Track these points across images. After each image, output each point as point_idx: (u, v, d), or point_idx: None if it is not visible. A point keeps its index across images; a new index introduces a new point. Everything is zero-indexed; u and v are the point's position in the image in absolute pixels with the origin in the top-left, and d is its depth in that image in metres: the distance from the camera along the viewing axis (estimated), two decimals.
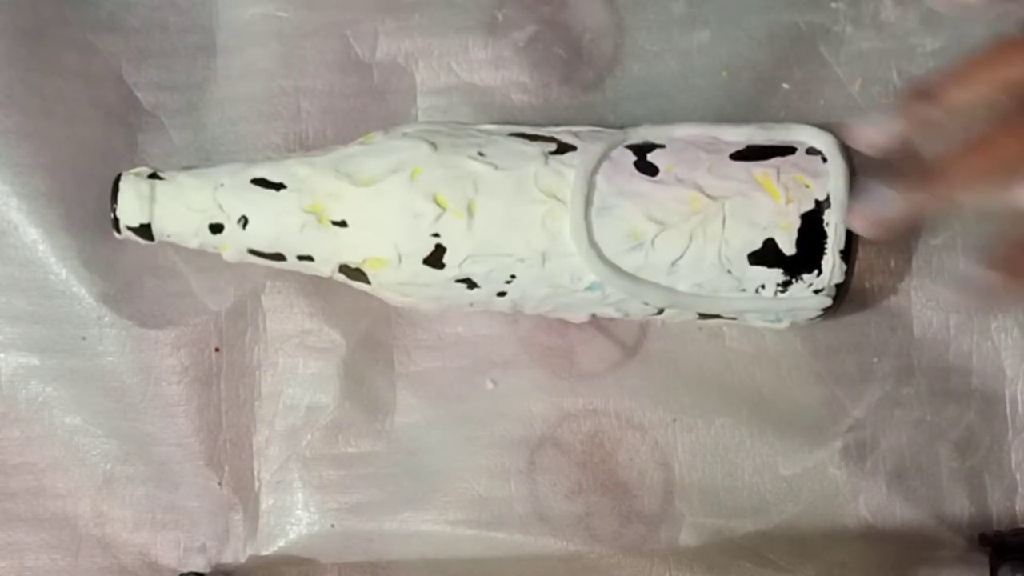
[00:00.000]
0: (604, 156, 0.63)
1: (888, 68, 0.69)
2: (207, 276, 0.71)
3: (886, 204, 0.56)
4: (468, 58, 0.71)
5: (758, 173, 0.62)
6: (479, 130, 0.65)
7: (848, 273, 0.62)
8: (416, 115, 0.71)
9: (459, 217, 0.62)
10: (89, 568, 0.71)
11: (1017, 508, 0.69)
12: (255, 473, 0.71)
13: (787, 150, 0.64)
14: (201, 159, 0.71)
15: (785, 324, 0.65)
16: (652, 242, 0.62)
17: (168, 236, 0.65)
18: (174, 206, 0.64)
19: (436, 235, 0.62)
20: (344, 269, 0.65)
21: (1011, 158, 0.55)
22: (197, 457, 0.70)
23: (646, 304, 0.64)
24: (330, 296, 0.70)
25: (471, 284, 0.64)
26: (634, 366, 0.70)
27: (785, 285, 0.63)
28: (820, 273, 0.62)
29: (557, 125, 0.66)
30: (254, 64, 0.71)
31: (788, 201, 0.62)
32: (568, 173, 0.62)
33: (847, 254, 0.62)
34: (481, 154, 0.63)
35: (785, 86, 0.70)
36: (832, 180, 0.62)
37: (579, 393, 0.70)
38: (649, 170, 0.63)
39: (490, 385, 0.70)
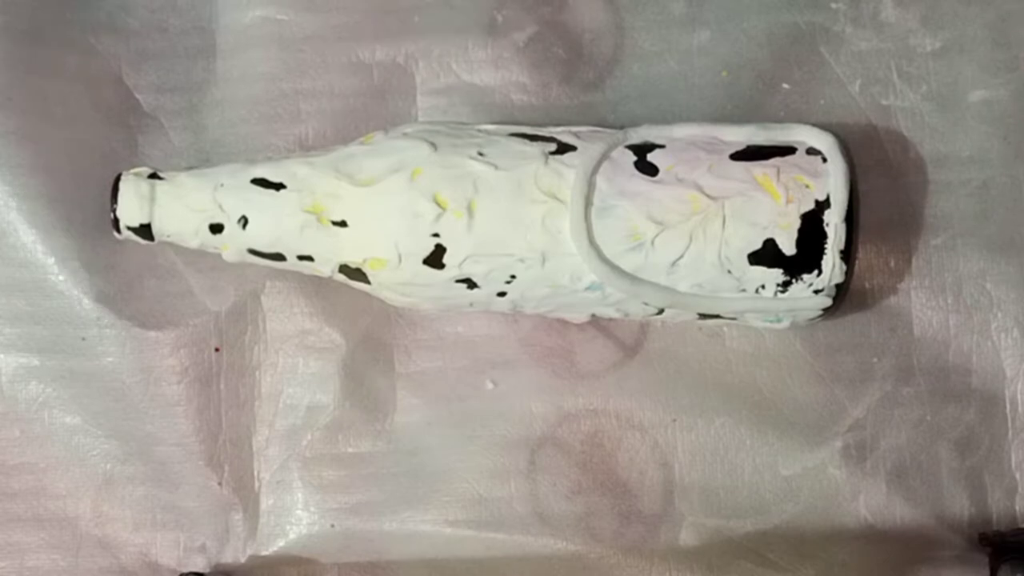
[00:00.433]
0: (604, 156, 0.63)
1: (888, 68, 0.69)
2: (207, 276, 0.71)
3: None
4: (468, 58, 0.71)
5: (758, 173, 0.62)
6: (479, 130, 0.65)
7: (848, 273, 0.62)
8: (416, 115, 0.71)
9: (459, 217, 0.62)
10: (89, 568, 0.71)
11: (1017, 508, 0.69)
12: (255, 473, 0.71)
13: (787, 150, 0.64)
14: (201, 161, 0.71)
15: (785, 324, 0.65)
16: (652, 242, 0.62)
17: (168, 236, 0.65)
18: (174, 206, 0.64)
19: (436, 235, 0.62)
20: (344, 269, 0.65)
21: None
22: (197, 457, 0.70)
23: (646, 304, 0.64)
24: (330, 296, 0.70)
25: (471, 284, 0.64)
26: (634, 366, 0.70)
27: (785, 285, 0.63)
28: (820, 273, 0.62)
29: (557, 125, 0.66)
30: (254, 66, 0.71)
31: (788, 201, 0.62)
32: (568, 173, 0.62)
33: (847, 254, 0.62)
34: (481, 154, 0.63)
35: (785, 86, 0.70)
36: (832, 180, 0.62)
37: (579, 393, 0.70)
38: (649, 170, 0.63)
39: (490, 385, 0.70)
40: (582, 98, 0.71)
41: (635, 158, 0.63)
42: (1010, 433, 0.69)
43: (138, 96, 0.72)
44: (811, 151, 0.63)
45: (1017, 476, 0.69)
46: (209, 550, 0.71)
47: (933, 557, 0.68)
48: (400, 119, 0.71)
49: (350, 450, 0.70)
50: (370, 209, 0.63)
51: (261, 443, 0.71)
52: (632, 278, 0.63)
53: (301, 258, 0.64)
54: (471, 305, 0.65)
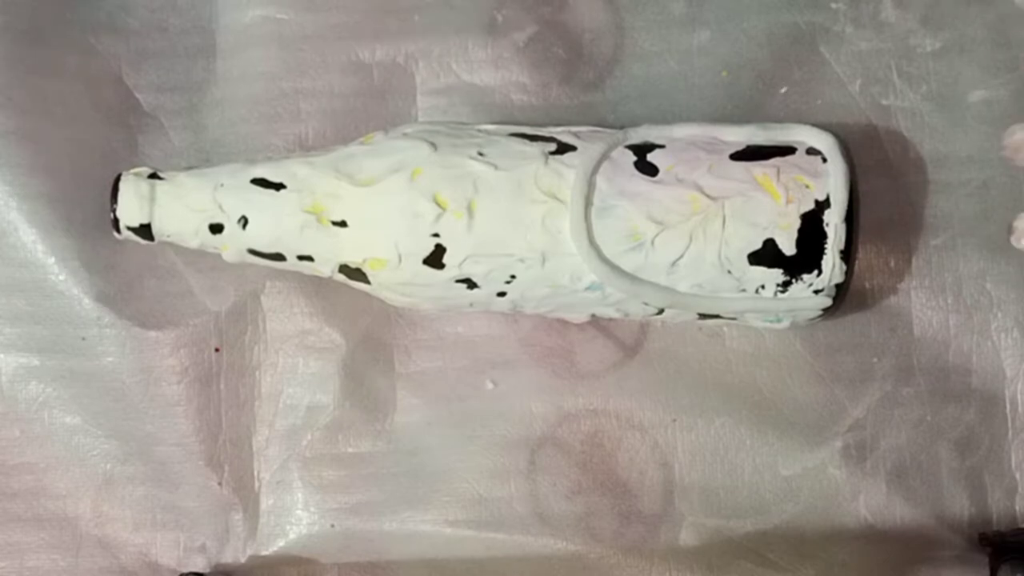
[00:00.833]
0: (604, 156, 0.63)
1: (888, 68, 0.69)
2: (207, 276, 0.71)
3: None
4: (468, 58, 0.71)
5: (758, 173, 0.62)
6: (479, 130, 0.65)
7: (848, 273, 0.62)
8: (416, 115, 0.71)
9: (459, 217, 0.62)
10: (89, 568, 0.71)
11: (1017, 508, 0.69)
12: (255, 473, 0.71)
13: (787, 150, 0.64)
14: (201, 161, 0.71)
15: (785, 324, 0.65)
16: (652, 242, 0.62)
17: (168, 236, 0.65)
18: (174, 206, 0.64)
19: (436, 235, 0.62)
20: (344, 269, 0.65)
21: None
22: (197, 457, 0.70)
23: (646, 304, 0.64)
24: (330, 296, 0.70)
25: (471, 284, 0.64)
26: (634, 366, 0.70)
27: (785, 285, 0.62)
28: (820, 273, 0.62)
29: (557, 125, 0.66)
30: (254, 66, 0.71)
31: (788, 201, 0.62)
32: (568, 173, 0.62)
33: (847, 254, 0.62)
34: (481, 154, 0.63)
35: (783, 90, 0.70)
36: (832, 180, 0.62)
37: (579, 393, 0.70)
38: (649, 170, 0.63)
39: (490, 385, 0.70)
40: (582, 98, 0.71)
41: (635, 158, 0.63)
42: (1010, 433, 0.69)
43: (138, 96, 0.72)
44: (811, 151, 0.63)
45: (1017, 476, 0.69)
46: (209, 550, 0.71)
47: (933, 557, 0.68)
48: (400, 119, 0.71)
49: (350, 450, 0.70)
50: (370, 209, 0.63)
51: (261, 443, 0.71)
52: (632, 278, 0.63)
53: (301, 258, 0.64)
54: (471, 305, 0.65)
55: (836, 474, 0.69)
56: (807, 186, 0.62)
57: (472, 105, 0.71)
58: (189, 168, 0.66)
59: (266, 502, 0.71)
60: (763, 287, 0.63)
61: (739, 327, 0.69)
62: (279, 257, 0.65)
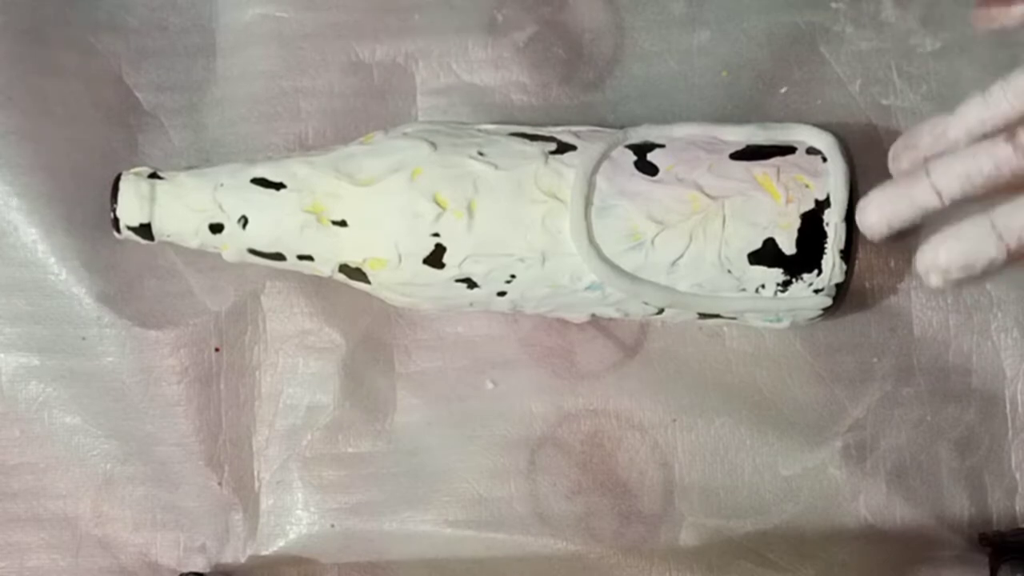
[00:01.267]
0: (604, 156, 0.63)
1: (888, 68, 0.69)
2: (207, 276, 0.71)
3: None
4: (468, 58, 0.71)
5: (758, 173, 0.62)
6: (479, 130, 0.65)
7: (848, 273, 0.62)
8: (416, 115, 0.71)
9: (459, 217, 0.62)
10: (89, 568, 0.71)
11: (1017, 508, 0.69)
12: (255, 473, 0.71)
13: (787, 150, 0.64)
14: (201, 160, 0.71)
15: (785, 324, 0.65)
16: (652, 242, 0.62)
17: (168, 236, 0.65)
18: (174, 206, 0.64)
19: (436, 235, 0.62)
20: (344, 269, 0.65)
21: None
22: (197, 457, 0.70)
23: (646, 304, 0.64)
24: (330, 296, 0.70)
25: (471, 284, 0.64)
26: (634, 366, 0.70)
27: (785, 285, 0.63)
28: (820, 273, 0.62)
29: (557, 125, 0.66)
30: (254, 65, 0.71)
31: (788, 201, 0.62)
32: (568, 173, 0.62)
33: (847, 254, 0.62)
34: (481, 154, 0.63)
35: (783, 90, 0.70)
36: (832, 180, 0.62)
37: (579, 393, 0.70)
38: (649, 170, 0.63)
39: (490, 385, 0.70)
40: (582, 98, 0.71)
41: (635, 158, 0.63)
42: (1010, 433, 0.69)
43: (138, 95, 0.72)
44: (811, 151, 0.63)
45: (1017, 476, 0.69)
46: (209, 550, 0.71)
47: (933, 557, 0.68)
48: (400, 119, 0.71)
49: (350, 450, 0.70)
50: (370, 209, 0.63)
51: (261, 443, 0.71)
52: (632, 278, 0.63)
53: (301, 258, 0.64)
54: (471, 305, 0.65)
55: (836, 474, 0.69)
56: (807, 186, 0.62)
57: (472, 105, 0.71)
58: (189, 168, 0.66)
59: (266, 502, 0.71)
60: (763, 287, 0.63)
61: (739, 327, 0.69)
62: (279, 257, 0.65)
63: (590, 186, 0.62)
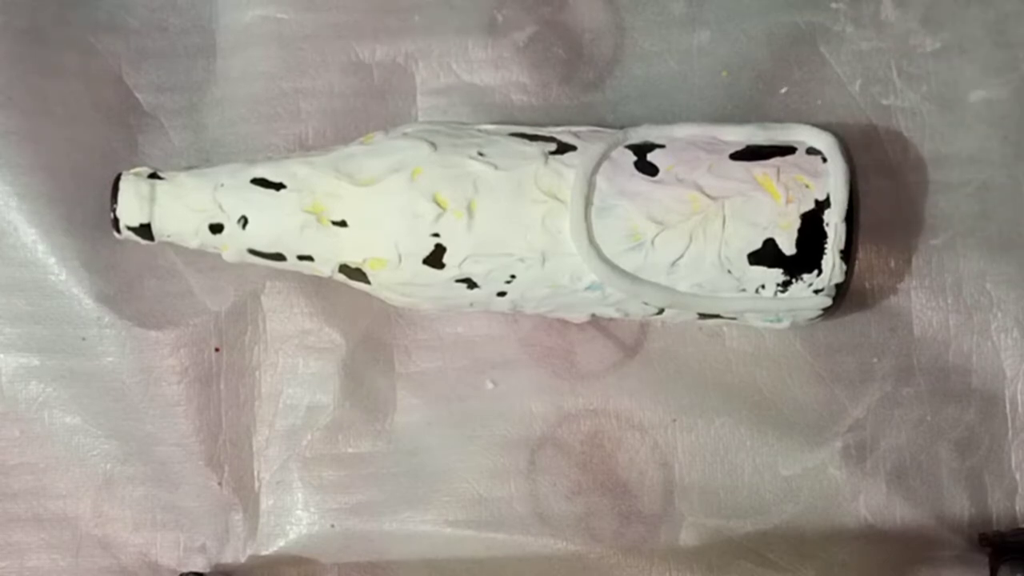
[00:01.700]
0: (604, 156, 0.63)
1: (888, 68, 0.69)
2: (207, 276, 0.71)
3: None
4: (468, 58, 0.71)
5: (758, 173, 0.62)
6: (479, 130, 0.65)
7: (848, 273, 0.62)
8: (416, 115, 0.71)
9: (459, 217, 0.62)
10: (89, 568, 0.71)
11: (1017, 508, 0.69)
12: (255, 473, 0.71)
13: (787, 150, 0.64)
14: (201, 160, 0.71)
15: (785, 324, 0.65)
16: (652, 242, 0.62)
17: (168, 236, 0.65)
18: (174, 206, 0.64)
19: (436, 235, 0.62)
20: (344, 269, 0.65)
21: None
22: (197, 457, 0.70)
23: (646, 304, 0.64)
24: (330, 296, 0.70)
25: (471, 284, 0.64)
26: (634, 366, 0.70)
27: (785, 285, 0.62)
28: (820, 273, 0.62)
29: (557, 125, 0.66)
30: (254, 65, 0.71)
31: (788, 201, 0.62)
32: (568, 173, 0.62)
33: (847, 254, 0.62)
34: (481, 154, 0.63)
35: (783, 91, 0.70)
36: (832, 180, 0.62)
37: (579, 393, 0.70)
38: (649, 170, 0.63)
39: (490, 385, 0.70)
40: (582, 98, 0.71)
41: (635, 158, 0.63)
42: (1010, 433, 0.69)
43: (138, 95, 0.72)
44: (811, 151, 0.63)
45: (1017, 476, 0.69)
46: (209, 550, 0.71)
47: (933, 557, 0.68)
48: (400, 119, 0.71)
49: (350, 450, 0.70)
50: (370, 209, 0.63)
51: (261, 443, 0.71)
52: (632, 278, 0.63)
53: (301, 258, 0.64)
54: (471, 305, 0.65)
55: (836, 474, 0.69)
56: (807, 186, 0.62)
57: (472, 105, 0.71)
58: (189, 168, 0.66)
59: (266, 502, 0.71)
60: (763, 287, 0.63)
61: (739, 327, 0.69)
62: (279, 257, 0.65)
63: (590, 186, 0.62)
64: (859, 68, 0.69)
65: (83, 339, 0.70)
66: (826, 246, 0.62)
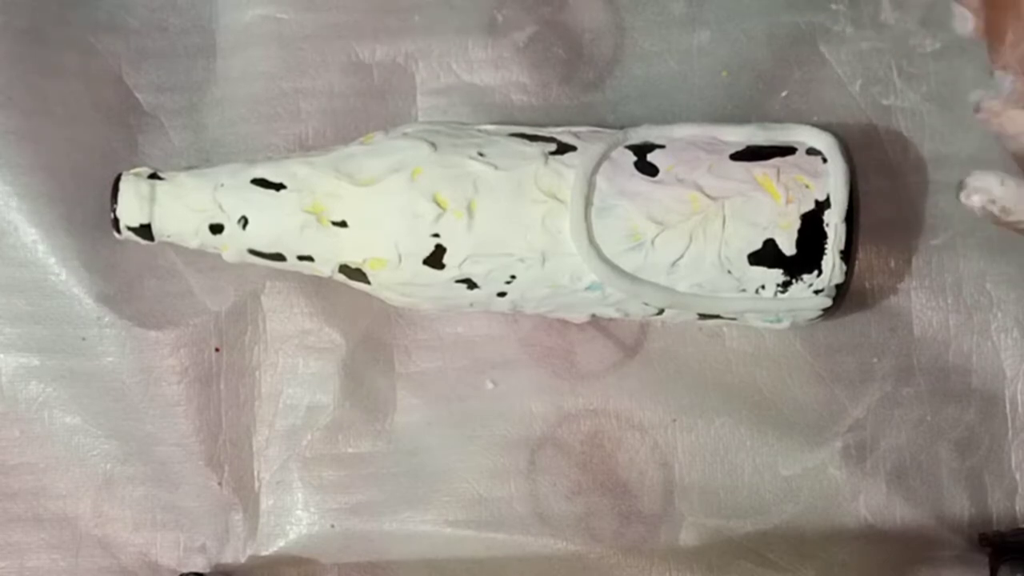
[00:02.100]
0: (604, 156, 0.63)
1: (888, 68, 0.69)
2: (207, 276, 0.71)
3: None
4: (468, 58, 0.71)
5: (758, 173, 0.62)
6: (479, 130, 0.65)
7: (848, 273, 0.62)
8: (416, 115, 0.71)
9: (459, 217, 0.62)
10: (89, 568, 0.71)
11: (1017, 508, 0.69)
12: (255, 473, 0.71)
13: (787, 150, 0.64)
14: (201, 160, 0.71)
15: (785, 324, 0.65)
16: (652, 242, 0.62)
17: (168, 236, 0.65)
18: (174, 206, 0.64)
19: (436, 235, 0.62)
20: (344, 269, 0.65)
21: None
22: (197, 457, 0.70)
23: (646, 304, 0.64)
24: (330, 296, 0.70)
25: (471, 284, 0.64)
26: (634, 366, 0.70)
27: (785, 285, 0.63)
28: (820, 273, 0.62)
29: (557, 125, 0.66)
30: (254, 65, 0.71)
31: (788, 201, 0.62)
32: (568, 173, 0.62)
33: (847, 254, 0.62)
34: (481, 154, 0.63)
35: (784, 94, 0.70)
36: (832, 180, 0.62)
37: (579, 393, 0.70)
38: (649, 170, 0.63)
39: (490, 385, 0.70)
40: (582, 98, 0.71)
41: (635, 158, 0.63)
42: (1010, 433, 0.69)
43: (138, 95, 0.72)
44: (811, 151, 0.63)
45: (1017, 476, 0.69)
46: (209, 550, 0.71)
47: (933, 557, 0.68)
48: (400, 119, 0.70)
49: (350, 450, 0.70)
50: (370, 209, 0.63)
51: (261, 443, 0.71)
52: (632, 278, 0.63)
53: (301, 258, 0.64)
54: (471, 305, 0.65)
55: (836, 474, 0.69)
56: (807, 186, 0.62)
57: (472, 105, 0.71)
58: (189, 168, 0.66)
59: (266, 502, 0.71)
60: (763, 287, 0.63)
61: (739, 327, 0.69)
62: (279, 257, 0.65)
63: (590, 186, 0.62)
64: (859, 68, 0.69)
65: (83, 339, 0.70)
66: (826, 246, 0.62)
